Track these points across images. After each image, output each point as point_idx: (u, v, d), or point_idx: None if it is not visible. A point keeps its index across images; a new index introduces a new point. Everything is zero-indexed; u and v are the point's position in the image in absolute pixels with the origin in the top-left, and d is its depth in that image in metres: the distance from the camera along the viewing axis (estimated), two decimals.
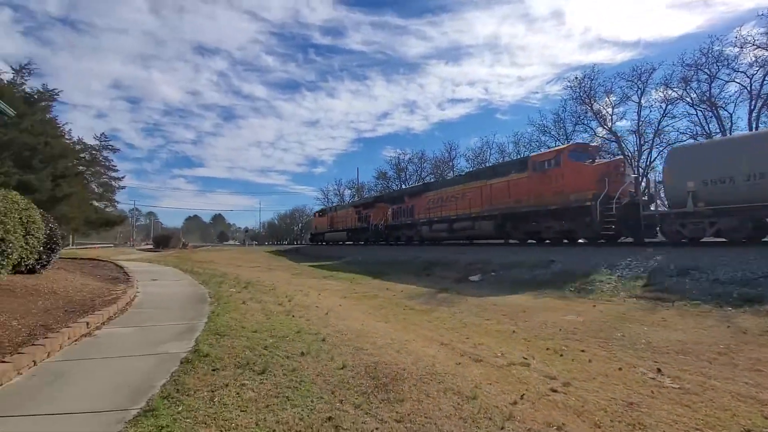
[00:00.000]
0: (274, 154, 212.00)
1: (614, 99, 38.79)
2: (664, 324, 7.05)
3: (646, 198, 14.73)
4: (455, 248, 20.25)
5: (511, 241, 19.28)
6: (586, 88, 39.63)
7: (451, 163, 62.15)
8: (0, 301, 5.73)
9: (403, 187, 47.84)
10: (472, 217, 20.24)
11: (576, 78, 41.26)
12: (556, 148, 18.71)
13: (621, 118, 47.82)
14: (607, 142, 39.49)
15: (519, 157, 32.94)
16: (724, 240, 12.09)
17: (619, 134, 39.16)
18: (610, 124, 39.39)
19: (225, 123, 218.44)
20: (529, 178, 17.09)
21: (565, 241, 16.73)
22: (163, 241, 47.69)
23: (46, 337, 4.77)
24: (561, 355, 5.63)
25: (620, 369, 5.04)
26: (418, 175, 64.65)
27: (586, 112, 41.35)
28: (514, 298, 10.25)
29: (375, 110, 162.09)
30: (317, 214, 49.11)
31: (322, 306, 8.30)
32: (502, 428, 3.41)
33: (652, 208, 14.36)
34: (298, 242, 70.35)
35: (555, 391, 4.34)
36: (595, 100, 39.85)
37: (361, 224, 33.65)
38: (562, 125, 44.13)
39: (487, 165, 37.39)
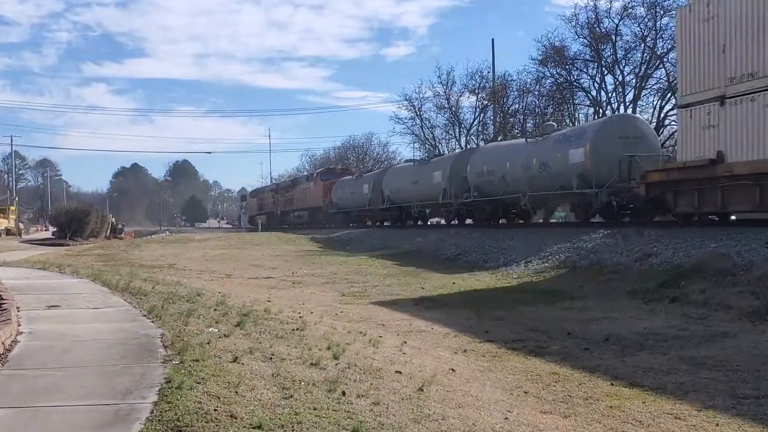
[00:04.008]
0: (294, 20, 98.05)
1: None
2: None
3: None
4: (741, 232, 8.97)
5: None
6: None
7: None
8: None
9: (606, 76, 29.42)
10: (304, 209, 33.69)
11: None
12: (318, 171, 36.67)
13: None
14: None
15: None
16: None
17: None
18: None
19: None
20: (312, 187, 33.69)
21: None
22: (72, 221, 27.40)
23: None
24: None
25: None
26: (650, 50, 26.08)
27: None
28: None
29: None
30: (250, 195, 49.28)
31: (411, 370, 4.23)
32: None
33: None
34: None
35: None
36: None
37: (275, 208, 38.87)
38: None
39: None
